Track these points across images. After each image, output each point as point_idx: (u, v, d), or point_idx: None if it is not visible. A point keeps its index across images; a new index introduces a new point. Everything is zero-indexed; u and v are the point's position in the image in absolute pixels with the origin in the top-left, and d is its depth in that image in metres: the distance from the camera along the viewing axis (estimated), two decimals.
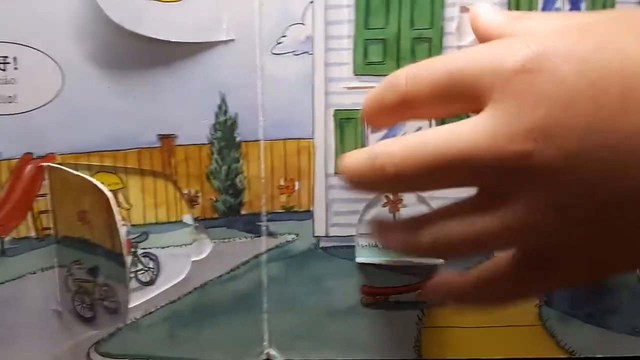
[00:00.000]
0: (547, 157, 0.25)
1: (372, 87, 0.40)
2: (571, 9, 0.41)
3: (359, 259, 0.44)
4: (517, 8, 0.41)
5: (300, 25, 0.41)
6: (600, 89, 0.25)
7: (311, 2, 0.41)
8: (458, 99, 0.29)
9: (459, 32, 0.40)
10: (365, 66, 0.41)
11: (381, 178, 0.29)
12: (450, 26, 0.40)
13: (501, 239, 0.28)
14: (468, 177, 0.28)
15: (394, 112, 0.31)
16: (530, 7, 0.41)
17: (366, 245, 0.44)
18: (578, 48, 0.26)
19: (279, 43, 0.41)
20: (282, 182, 0.43)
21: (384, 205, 0.44)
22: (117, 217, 0.40)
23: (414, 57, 0.40)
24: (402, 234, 0.31)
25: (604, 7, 0.41)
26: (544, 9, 0.41)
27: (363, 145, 0.43)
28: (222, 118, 0.42)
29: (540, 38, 0.27)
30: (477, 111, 0.28)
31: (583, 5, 0.41)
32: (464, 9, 0.40)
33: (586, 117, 0.25)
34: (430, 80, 0.29)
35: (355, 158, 0.31)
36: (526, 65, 0.26)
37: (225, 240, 0.44)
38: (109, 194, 0.40)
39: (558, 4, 0.41)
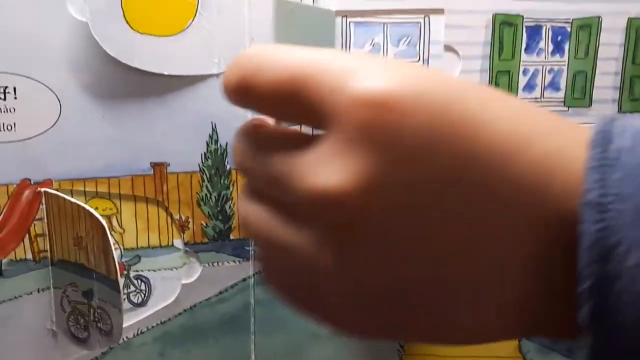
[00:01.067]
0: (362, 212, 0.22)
1: None
2: (554, 50, 0.42)
3: None
4: (501, 48, 0.42)
5: None
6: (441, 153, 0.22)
7: None
8: (298, 110, 0.25)
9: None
10: None
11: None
12: (437, 64, 0.41)
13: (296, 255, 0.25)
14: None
15: (238, 93, 0.26)
16: (514, 46, 0.42)
17: None
18: (434, 99, 0.22)
19: None
20: None
21: None
22: (112, 245, 0.41)
23: None
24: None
25: (587, 47, 0.42)
26: (526, 49, 0.42)
27: None
28: (212, 147, 0.43)
29: (398, 71, 0.23)
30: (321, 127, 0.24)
31: (566, 46, 0.42)
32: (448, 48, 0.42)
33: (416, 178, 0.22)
34: (270, 78, 0.25)
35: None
36: (375, 99, 0.22)
37: (215, 264, 0.45)
38: (104, 222, 0.41)
39: (541, 44, 0.42)
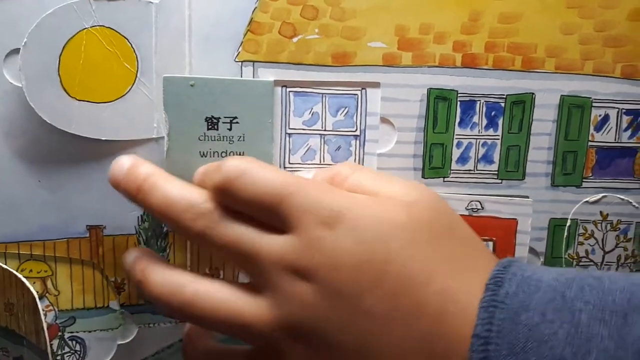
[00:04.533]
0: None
1: None
2: (487, 124, 0.43)
3: None
4: (435, 121, 0.43)
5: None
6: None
7: None
8: (270, 217, 0.33)
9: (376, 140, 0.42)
10: None
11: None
12: (373, 134, 0.41)
13: None
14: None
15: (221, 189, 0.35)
16: (448, 119, 0.43)
17: None
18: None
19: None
20: (207, 271, 0.45)
21: None
22: (42, 315, 0.41)
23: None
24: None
25: (521, 124, 0.43)
26: (460, 123, 0.43)
27: None
28: None
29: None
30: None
31: (500, 121, 0.43)
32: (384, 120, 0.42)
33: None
34: (253, 189, 0.33)
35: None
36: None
37: (151, 325, 0.45)
38: (34, 292, 0.41)
39: (475, 119, 0.43)
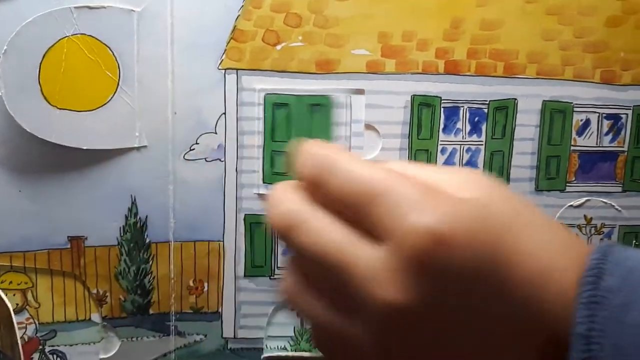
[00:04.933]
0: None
1: None
2: (471, 130, 0.43)
3: (266, 353, 0.45)
4: (419, 128, 0.43)
5: (213, 134, 0.43)
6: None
7: (223, 113, 0.42)
8: (362, 219, 0.28)
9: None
10: (273, 176, 0.43)
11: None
12: (358, 141, 0.41)
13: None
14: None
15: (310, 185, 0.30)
16: (432, 126, 0.43)
17: (274, 348, 0.45)
18: (483, 239, 0.27)
19: (191, 150, 0.43)
20: (191, 283, 0.44)
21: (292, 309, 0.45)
22: (17, 330, 0.40)
23: None
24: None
25: (504, 129, 0.43)
26: (444, 129, 0.43)
27: (272, 249, 0.44)
28: (132, 220, 0.43)
29: (451, 208, 0.27)
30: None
31: (484, 126, 0.43)
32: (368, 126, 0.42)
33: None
34: (342, 184, 0.28)
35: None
36: (429, 234, 0.26)
37: (134, 339, 0.44)
38: (10, 306, 0.40)
39: (459, 125, 0.43)
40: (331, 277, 0.28)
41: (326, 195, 0.29)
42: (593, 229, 0.44)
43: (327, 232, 0.29)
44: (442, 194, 0.28)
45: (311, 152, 0.31)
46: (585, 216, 0.44)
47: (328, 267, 0.28)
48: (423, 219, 0.26)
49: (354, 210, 0.29)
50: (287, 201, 0.30)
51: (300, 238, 0.29)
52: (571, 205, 0.44)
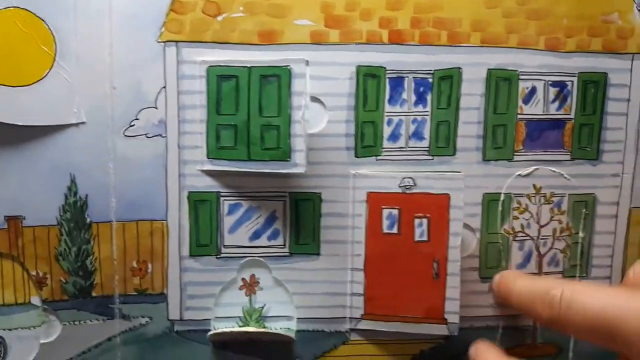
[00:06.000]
0: None
1: (225, 170, 0.42)
2: (417, 101, 0.43)
3: (212, 332, 0.43)
4: (365, 99, 0.42)
5: (153, 109, 0.42)
6: None
7: (164, 87, 0.41)
8: (606, 340, 0.31)
9: (307, 121, 0.41)
10: (218, 150, 0.42)
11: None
12: (298, 115, 0.41)
13: None
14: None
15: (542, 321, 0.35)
16: (378, 97, 0.42)
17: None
18: None
19: (132, 125, 0.41)
20: (134, 264, 0.43)
21: (240, 289, 0.44)
22: None
23: (263, 143, 0.41)
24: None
25: (449, 99, 0.43)
26: (390, 100, 0.42)
27: (218, 228, 0.43)
28: (71, 199, 0.41)
29: None
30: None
31: (429, 97, 0.43)
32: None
33: None
34: (583, 316, 0.32)
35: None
36: None
37: (76, 323, 0.43)
38: None
39: (404, 95, 0.43)
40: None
41: (564, 328, 0.33)
42: (542, 198, 0.44)
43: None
44: None
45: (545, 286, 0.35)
46: (534, 185, 0.44)
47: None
48: None
49: (600, 338, 0.31)
50: None
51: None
52: (520, 175, 0.44)
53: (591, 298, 0.32)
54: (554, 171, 0.44)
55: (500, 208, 0.44)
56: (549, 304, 0.34)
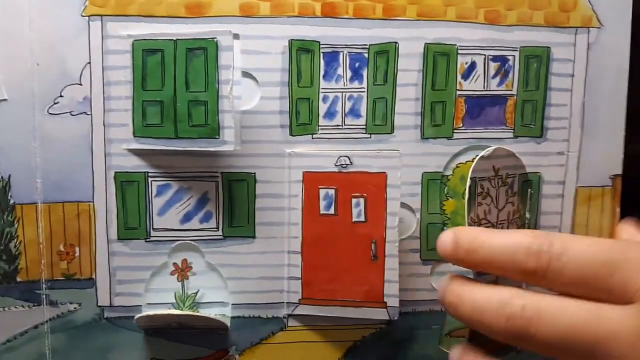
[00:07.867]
0: None
1: (152, 149, 0.40)
2: (352, 77, 0.41)
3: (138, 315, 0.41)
4: (299, 75, 0.41)
5: (78, 85, 0.40)
6: None
7: (88, 62, 0.40)
8: (602, 290, 0.29)
9: (237, 96, 0.40)
10: (145, 128, 0.40)
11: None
12: (225, 89, 0.39)
13: None
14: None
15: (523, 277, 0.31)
16: (312, 72, 0.41)
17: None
18: None
19: (56, 103, 0.40)
20: (61, 248, 0.41)
21: (172, 274, 0.42)
22: None
23: (190, 120, 0.39)
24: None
25: (386, 75, 0.41)
26: (325, 76, 0.41)
27: (146, 209, 0.41)
28: None
29: None
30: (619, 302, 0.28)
31: (365, 72, 0.41)
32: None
33: None
34: (578, 266, 0.29)
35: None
36: None
37: (1, 310, 0.41)
38: None
39: (339, 71, 0.41)
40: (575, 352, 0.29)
41: (552, 282, 0.30)
42: (500, 180, 0.42)
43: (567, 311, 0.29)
44: None
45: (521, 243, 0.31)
46: (493, 167, 0.41)
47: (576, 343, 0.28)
48: None
49: (592, 288, 0.29)
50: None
51: (540, 329, 0.29)
52: (483, 157, 0.40)
53: (588, 246, 0.29)
54: (508, 151, 0.41)
55: (467, 196, 0.40)
56: (536, 253, 0.30)
